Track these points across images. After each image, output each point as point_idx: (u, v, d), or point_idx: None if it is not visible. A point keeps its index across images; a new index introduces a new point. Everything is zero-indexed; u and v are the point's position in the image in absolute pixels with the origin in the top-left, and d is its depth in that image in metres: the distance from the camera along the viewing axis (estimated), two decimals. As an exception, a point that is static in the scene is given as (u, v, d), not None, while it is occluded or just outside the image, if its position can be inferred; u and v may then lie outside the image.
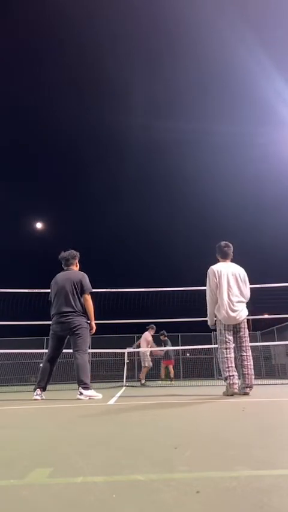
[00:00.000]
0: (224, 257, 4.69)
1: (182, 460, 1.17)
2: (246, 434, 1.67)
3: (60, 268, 5.33)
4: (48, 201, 31.75)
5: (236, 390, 4.21)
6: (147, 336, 10.45)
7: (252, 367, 4.36)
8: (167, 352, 11.86)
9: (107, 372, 15.92)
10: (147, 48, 27.08)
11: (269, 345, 15.40)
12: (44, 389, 4.86)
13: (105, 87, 29.16)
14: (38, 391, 4.78)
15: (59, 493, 0.89)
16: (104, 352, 15.07)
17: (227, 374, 4.24)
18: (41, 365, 5.32)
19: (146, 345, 10.34)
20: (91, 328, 5.02)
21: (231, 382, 4.19)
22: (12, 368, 15.67)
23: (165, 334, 11.84)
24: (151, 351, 10.48)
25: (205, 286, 4.61)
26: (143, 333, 10.61)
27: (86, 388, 4.62)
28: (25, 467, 1.15)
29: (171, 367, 12.11)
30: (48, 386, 5.08)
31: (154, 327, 10.61)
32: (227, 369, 4.25)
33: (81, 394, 4.58)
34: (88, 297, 4.99)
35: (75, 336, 4.84)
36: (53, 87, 28.92)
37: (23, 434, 1.96)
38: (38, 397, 4.72)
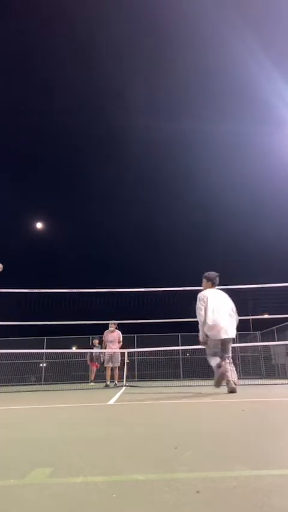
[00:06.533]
0: (213, 284, 5.43)
1: (182, 460, 1.17)
2: (246, 434, 1.67)
3: None
4: (48, 201, 31.75)
5: (229, 380, 4.69)
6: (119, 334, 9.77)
7: (234, 369, 4.93)
8: None
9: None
10: (147, 49, 27.09)
11: (268, 345, 15.42)
12: None
13: (106, 88, 29.17)
14: None
15: (59, 493, 0.89)
16: (103, 352, 15.06)
17: (216, 362, 4.76)
18: None
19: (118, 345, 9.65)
20: None
21: (220, 368, 4.68)
22: (12, 368, 15.67)
23: None
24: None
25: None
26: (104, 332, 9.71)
27: None
28: (25, 467, 1.15)
29: None
30: (48, 387, 5.10)
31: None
32: (214, 361, 4.84)
33: None
34: None
35: None
36: (54, 88, 28.96)
37: (23, 434, 1.95)
38: None
